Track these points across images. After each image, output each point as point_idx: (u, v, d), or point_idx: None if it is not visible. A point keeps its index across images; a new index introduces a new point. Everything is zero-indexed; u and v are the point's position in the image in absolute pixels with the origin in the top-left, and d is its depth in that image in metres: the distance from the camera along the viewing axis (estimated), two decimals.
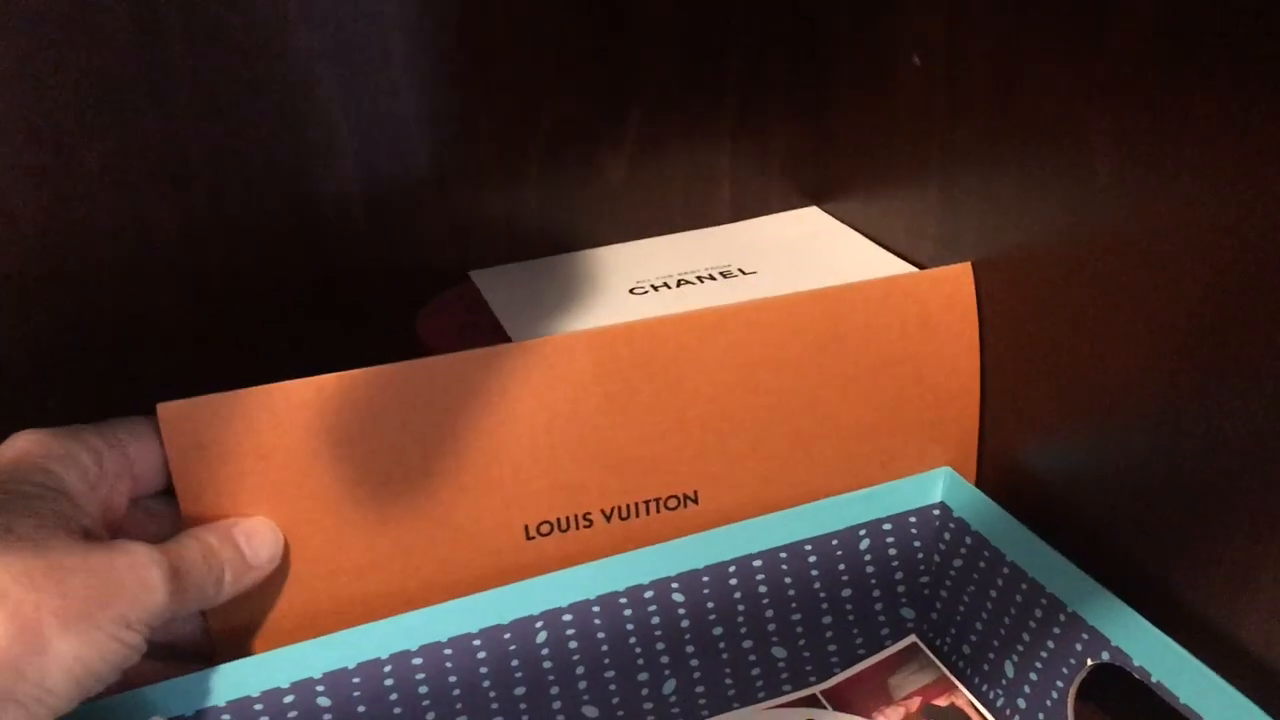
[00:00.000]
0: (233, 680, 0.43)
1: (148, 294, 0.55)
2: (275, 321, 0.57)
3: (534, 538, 0.48)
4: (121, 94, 0.51)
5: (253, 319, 0.57)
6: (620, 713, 0.47)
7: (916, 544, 0.51)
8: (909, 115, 0.54)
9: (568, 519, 0.49)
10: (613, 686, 0.47)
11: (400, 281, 0.59)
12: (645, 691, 0.48)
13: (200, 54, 0.52)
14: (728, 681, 0.49)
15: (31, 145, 0.50)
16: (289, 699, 0.43)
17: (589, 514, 0.49)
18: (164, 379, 0.56)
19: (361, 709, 0.44)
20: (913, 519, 0.51)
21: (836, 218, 0.62)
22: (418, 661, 0.45)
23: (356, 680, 0.44)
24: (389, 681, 0.44)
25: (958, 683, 0.48)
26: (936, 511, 0.51)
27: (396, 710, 0.44)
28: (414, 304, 0.58)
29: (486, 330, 0.53)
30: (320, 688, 0.44)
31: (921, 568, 0.51)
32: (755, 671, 0.49)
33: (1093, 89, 0.42)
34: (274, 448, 0.45)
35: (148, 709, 0.41)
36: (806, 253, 0.58)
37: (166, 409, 0.44)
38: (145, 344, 0.56)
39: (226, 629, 0.46)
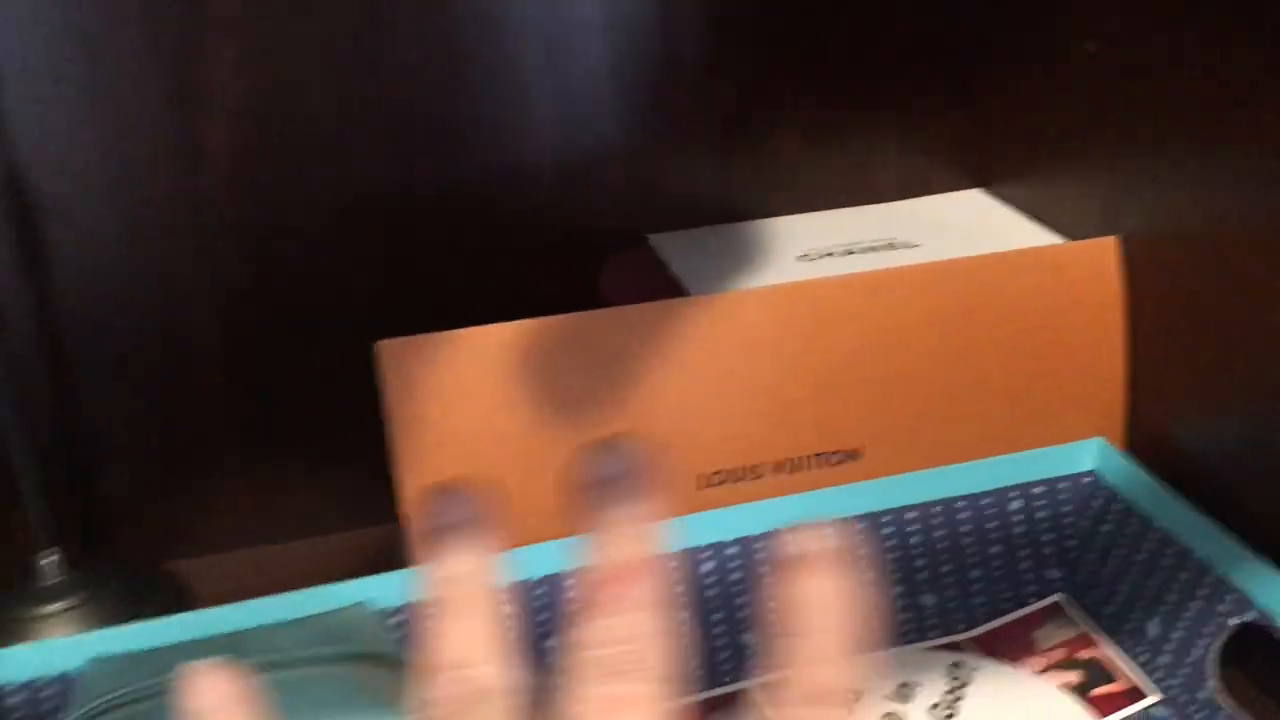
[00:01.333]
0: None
1: (358, 242, 0.61)
2: (464, 272, 0.63)
3: (706, 487, 0.52)
4: (343, 57, 0.57)
5: (447, 269, 0.62)
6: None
7: (1066, 508, 0.53)
8: (1078, 101, 0.56)
9: (739, 470, 0.52)
10: (771, 618, 0.51)
11: (581, 243, 0.63)
12: None
13: (423, 21, 0.57)
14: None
15: (255, 102, 0.57)
16: None
17: (758, 466, 0.53)
18: (369, 320, 0.62)
19: (544, 617, 0.49)
20: (1063, 484, 0.53)
21: (1000, 200, 0.64)
22: None
23: (540, 591, 0.49)
24: (567, 595, 0.49)
25: (1101, 639, 0.50)
26: (1087, 479, 0.53)
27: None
28: (593, 265, 0.62)
29: (662, 289, 0.57)
30: (501, 596, 0.48)
31: (1069, 531, 0.53)
32: (904, 616, 0.52)
33: (1263, 73, 0.44)
34: (475, 386, 0.50)
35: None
36: (969, 230, 0.61)
37: (386, 346, 0.49)
38: (354, 287, 0.61)
39: None
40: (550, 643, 0.49)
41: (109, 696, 0.41)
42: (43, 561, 0.56)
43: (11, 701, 0.45)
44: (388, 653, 0.43)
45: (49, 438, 0.60)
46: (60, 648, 0.45)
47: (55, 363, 0.59)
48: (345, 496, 0.64)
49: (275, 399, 0.62)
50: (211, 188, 0.58)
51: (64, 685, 0.45)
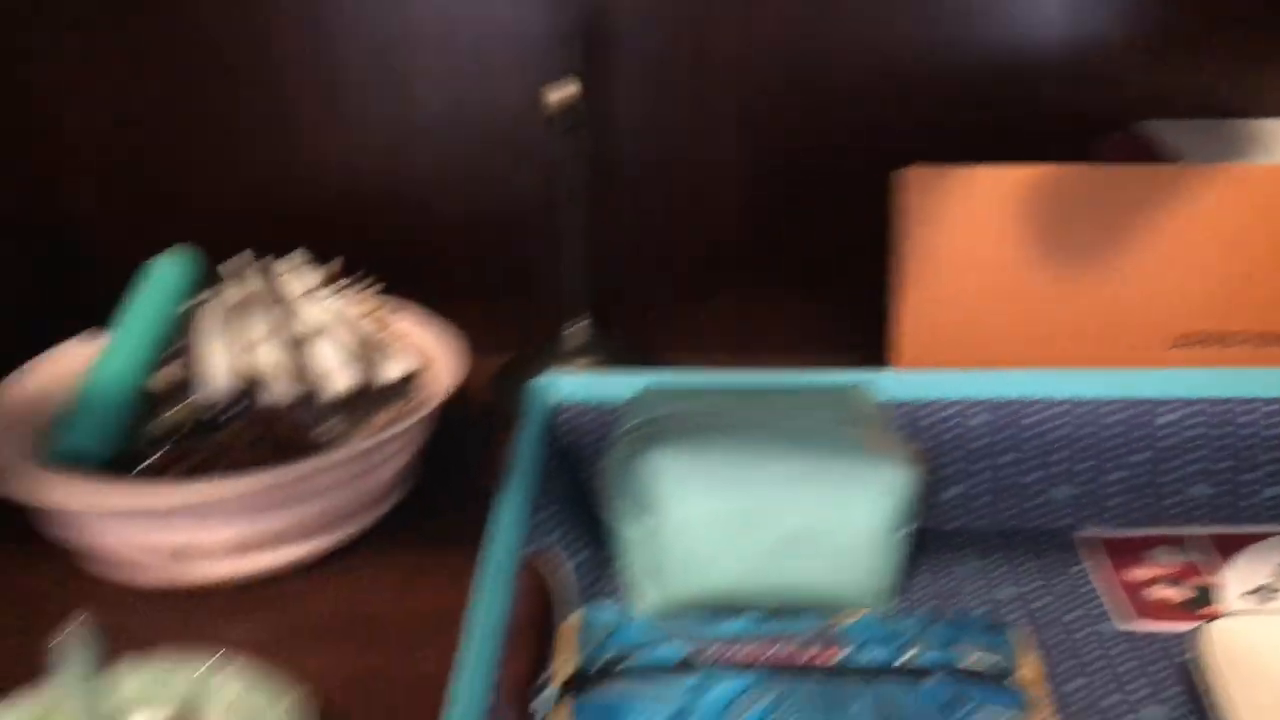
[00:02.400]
0: (913, 385, 0.55)
1: (877, 96, 0.68)
2: (963, 143, 0.68)
3: (1176, 347, 0.56)
4: None
5: (947, 136, 0.68)
6: (1228, 498, 0.54)
7: None
8: None
9: (1213, 334, 0.56)
10: (1224, 476, 0.54)
11: (1078, 126, 0.67)
12: (1254, 489, 0.54)
13: None
14: None
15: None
16: (949, 410, 0.54)
17: (1229, 334, 0.56)
18: (869, 165, 0.69)
19: (1006, 434, 0.54)
20: None
21: None
22: (1062, 409, 0.54)
23: (1006, 409, 0.54)
24: (1032, 420, 0.54)
25: None
26: None
27: (1030, 446, 0.54)
28: (1087, 148, 0.66)
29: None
30: (976, 408, 0.54)
31: None
32: None
33: None
34: (983, 220, 0.56)
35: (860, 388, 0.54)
36: None
37: (911, 173, 0.56)
38: (863, 137, 0.69)
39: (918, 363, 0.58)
40: (1006, 459, 0.55)
41: (659, 414, 0.50)
42: (573, 327, 0.68)
43: (562, 418, 0.56)
44: (880, 422, 0.50)
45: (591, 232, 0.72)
46: (613, 379, 0.56)
47: (601, 172, 0.70)
48: (830, 324, 0.72)
49: (782, 226, 0.71)
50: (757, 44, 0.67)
51: (609, 411, 0.56)
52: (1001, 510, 0.55)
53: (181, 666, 0.44)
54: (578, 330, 0.67)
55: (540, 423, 0.54)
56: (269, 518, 0.51)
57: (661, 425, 0.49)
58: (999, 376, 0.54)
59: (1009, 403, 0.54)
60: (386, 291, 0.65)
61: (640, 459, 0.48)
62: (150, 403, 0.56)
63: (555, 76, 0.62)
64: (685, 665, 0.41)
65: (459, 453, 0.63)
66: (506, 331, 0.74)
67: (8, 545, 0.55)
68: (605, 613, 0.45)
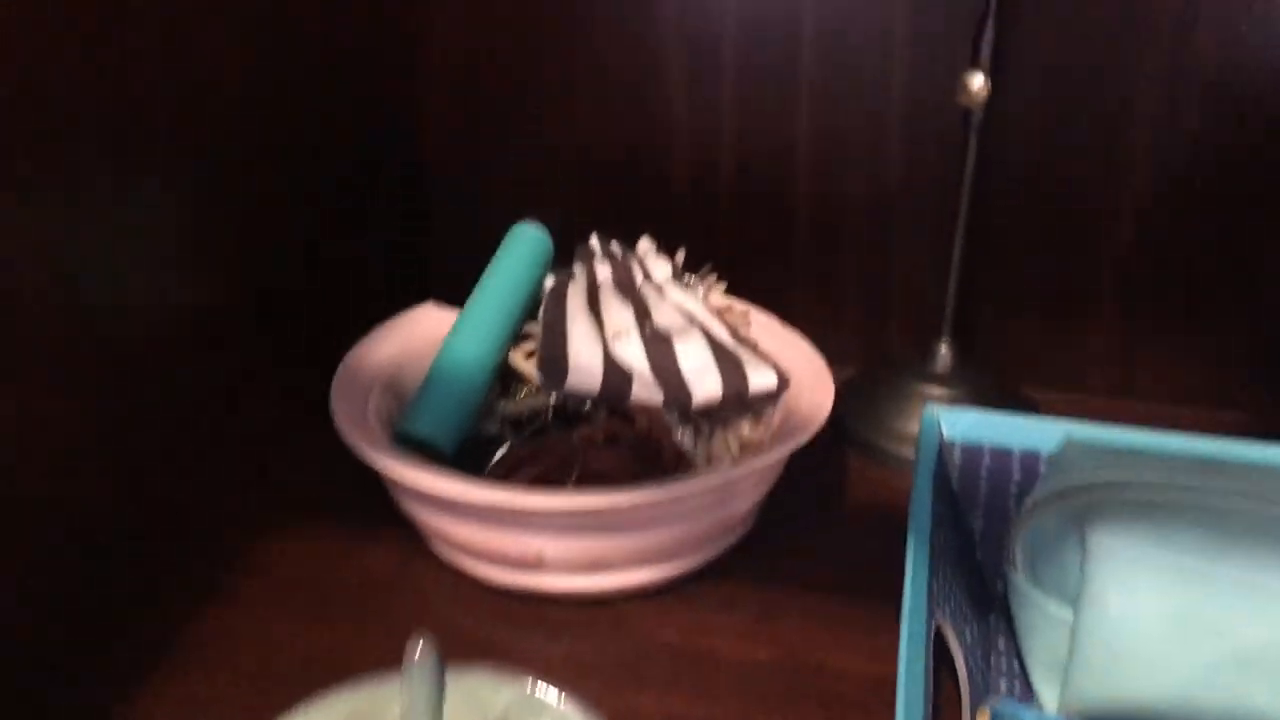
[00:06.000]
0: None
1: None
2: None
3: None
4: None
5: None
6: None
7: None
8: None
9: None
10: None
11: None
12: None
13: None
14: None
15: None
16: None
17: None
18: None
19: None
20: None
21: None
22: None
23: None
24: None
25: None
26: None
27: None
28: None
29: None
30: None
31: None
32: None
33: None
34: None
35: None
36: None
37: None
38: None
39: None
40: None
41: (1095, 479, 0.42)
42: (940, 349, 0.61)
43: (946, 459, 0.49)
44: None
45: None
46: (1006, 420, 0.48)
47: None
48: (1213, 371, 0.64)
49: (1182, 252, 0.62)
50: None
51: (999, 454, 0.48)
52: None
53: (503, 686, 0.40)
54: (944, 355, 0.60)
55: (932, 465, 0.47)
56: (623, 537, 0.46)
57: (1100, 493, 0.41)
58: None
59: None
60: (730, 290, 0.59)
61: (1074, 533, 0.40)
62: (505, 380, 0.52)
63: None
64: None
65: (801, 477, 0.57)
66: (850, 342, 0.68)
67: (355, 520, 0.53)
68: (1025, 714, 0.38)
